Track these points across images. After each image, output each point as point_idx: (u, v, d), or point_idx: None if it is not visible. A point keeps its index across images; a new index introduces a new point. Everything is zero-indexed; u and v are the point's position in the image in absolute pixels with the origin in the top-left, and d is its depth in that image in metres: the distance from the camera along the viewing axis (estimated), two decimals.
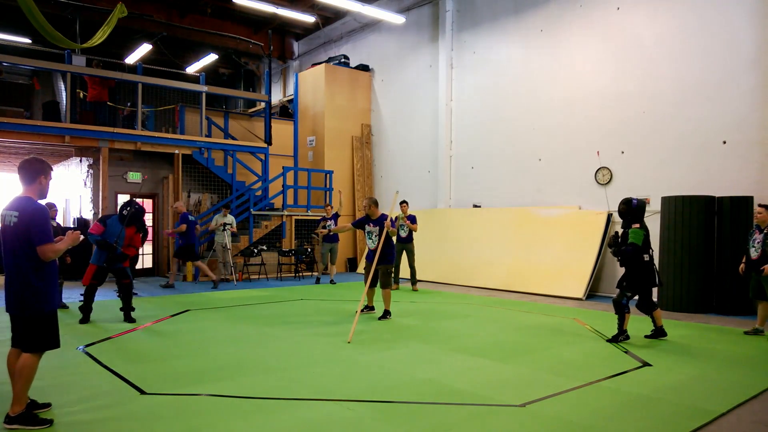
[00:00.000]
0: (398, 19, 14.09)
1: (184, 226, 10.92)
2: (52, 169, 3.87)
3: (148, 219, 12.93)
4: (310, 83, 16.07)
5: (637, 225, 6.19)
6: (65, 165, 15.02)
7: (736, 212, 8.50)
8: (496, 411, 3.99)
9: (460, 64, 13.69)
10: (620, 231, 6.43)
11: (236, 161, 13.75)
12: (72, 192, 14.51)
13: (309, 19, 14.91)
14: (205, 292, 10.53)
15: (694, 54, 9.44)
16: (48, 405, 3.88)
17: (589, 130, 10.91)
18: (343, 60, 16.52)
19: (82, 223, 11.99)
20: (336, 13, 16.98)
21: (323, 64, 15.87)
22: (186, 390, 4.36)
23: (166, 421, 3.72)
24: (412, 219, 10.62)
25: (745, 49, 8.85)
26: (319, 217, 13.42)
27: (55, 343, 3.75)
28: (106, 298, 9.17)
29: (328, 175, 14.85)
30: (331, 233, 10.72)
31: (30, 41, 14.47)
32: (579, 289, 9.97)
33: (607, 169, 10.61)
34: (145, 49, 15.71)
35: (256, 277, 13.14)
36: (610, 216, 10.31)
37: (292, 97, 16.60)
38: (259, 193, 13.93)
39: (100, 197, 11.89)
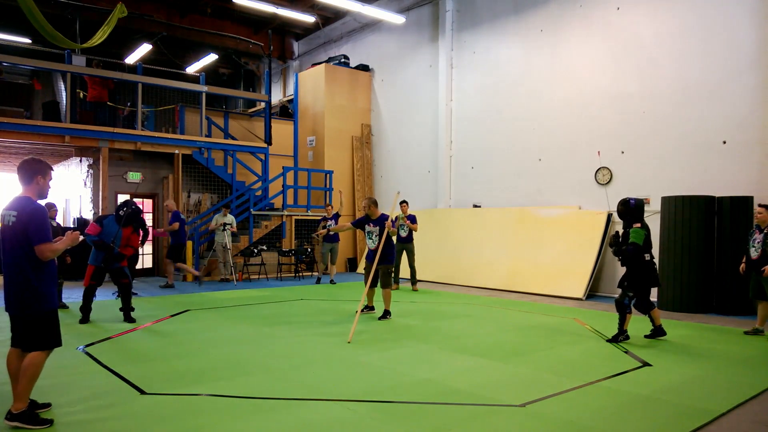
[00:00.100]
0: (398, 19, 14.09)
1: (177, 225, 10.91)
2: (51, 169, 3.87)
3: (148, 219, 12.94)
4: (310, 83, 16.07)
5: (638, 224, 6.19)
6: (65, 165, 15.02)
7: (736, 212, 8.49)
8: (496, 411, 3.99)
9: (460, 64, 13.69)
10: (621, 231, 6.43)
11: (236, 161, 13.75)
12: (72, 192, 14.51)
13: (309, 19, 14.91)
14: (205, 292, 10.53)
15: (694, 54, 9.44)
16: (48, 405, 3.88)
17: (589, 130, 10.91)
18: (343, 60, 16.52)
19: (82, 223, 11.98)
20: (336, 13, 16.98)
21: (323, 64, 15.87)
22: (186, 390, 4.35)
23: (166, 421, 3.72)
24: (412, 219, 10.63)
25: (745, 49, 8.85)
26: (319, 217, 13.43)
27: (56, 342, 3.76)
28: (106, 298, 9.17)
29: (328, 175, 14.85)
30: (331, 233, 10.72)
31: (30, 41, 14.46)
32: (579, 289, 9.97)
33: (607, 169, 10.61)
34: (145, 49, 15.70)
35: (256, 277, 13.14)
36: (610, 216, 10.31)
37: (292, 97, 16.60)
38: (259, 193, 13.93)
39: (100, 197, 11.90)
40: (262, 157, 14.17)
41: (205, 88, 13.54)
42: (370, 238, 7.66)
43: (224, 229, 11.81)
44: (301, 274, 13.57)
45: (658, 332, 6.41)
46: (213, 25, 17.00)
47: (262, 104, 15.27)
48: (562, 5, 11.42)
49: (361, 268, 14.61)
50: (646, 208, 7.27)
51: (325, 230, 10.00)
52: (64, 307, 8.19)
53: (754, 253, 6.64)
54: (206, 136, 13.63)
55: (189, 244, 12.17)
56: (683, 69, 9.57)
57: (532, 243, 11.21)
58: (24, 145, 12.12)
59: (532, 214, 11.58)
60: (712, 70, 9.21)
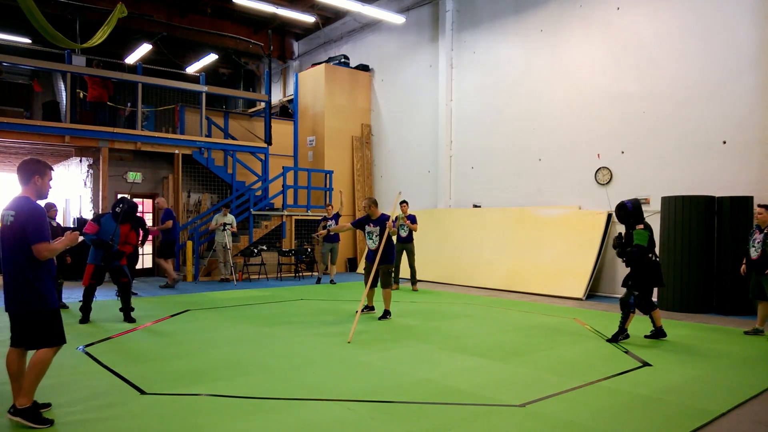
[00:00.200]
0: (398, 19, 14.09)
1: (170, 222, 10.91)
2: (51, 170, 3.88)
3: (148, 220, 12.94)
4: (310, 83, 16.07)
5: (641, 226, 6.18)
6: (65, 165, 15.02)
7: (736, 212, 8.49)
8: (496, 411, 3.99)
9: (460, 64, 13.69)
10: (623, 232, 6.42)
11: (236, 161, 13.75)
12: (72, 192, 14.51)
13: (309, 19, 14.91)
14: (205, 292, 10.53)
15: (694, 54, 9.44)
16: (48, 405, 3.88)
17: (589, 130, 10.91)
18: (343, 60, 16.52)
19: (81, 224, 11.98)
20: (336, 13, 16.98)
21: (323, 64, 15.87)
22: (186, 390, 4.35)
23: (166, 421, 3.72)
24: (412, 219, 10.63)
25: (745, 49, 8.84)
26: (319, 217, 13.43)
27: (59, 340, 3.76)
28: (106, 298, 9.17)
29: (328, 175, 14.85)
30: (331, 233, 10.72)
31: (30, 41, 14.46)
32: (579, 289, 9.97)
33: (607, 169, 10.61)
34: (145, 49, 15.70)
35: (256, 277, 13.14)
36: (610, 216, 10.31)
37: (292, 97, 16.60)
38: (259, 193, 13.93)
39: (100, 197, 11.90)
40: (262, 157, 14.17)
41: (205, 88, 13.55)
42: (371, 239, 7.66)
43: (224, 229, 11.81)
44: (301, 274, 13.57)
45: (658, 333, 6.41)
46: (213, 25, 17.00)
47: (262, 104, 15.28)
48: (562, 5, 11.42)
49: (361, 268, 14.61)
50: (646, 208, 7.29)
51: (325, 230, 9.99)
52: (64, 307, 8.18)
53: (754, 253, 6.64)
54: (206, 136, 13.63)
55: (189, 244, 12.18)
56: (683, 69, 9.57)
57: (532, 243, 11.20)
58: (24, 145, 12.12)
59: (532, 214, 11.58)
60: (712, 70, 9.21)
